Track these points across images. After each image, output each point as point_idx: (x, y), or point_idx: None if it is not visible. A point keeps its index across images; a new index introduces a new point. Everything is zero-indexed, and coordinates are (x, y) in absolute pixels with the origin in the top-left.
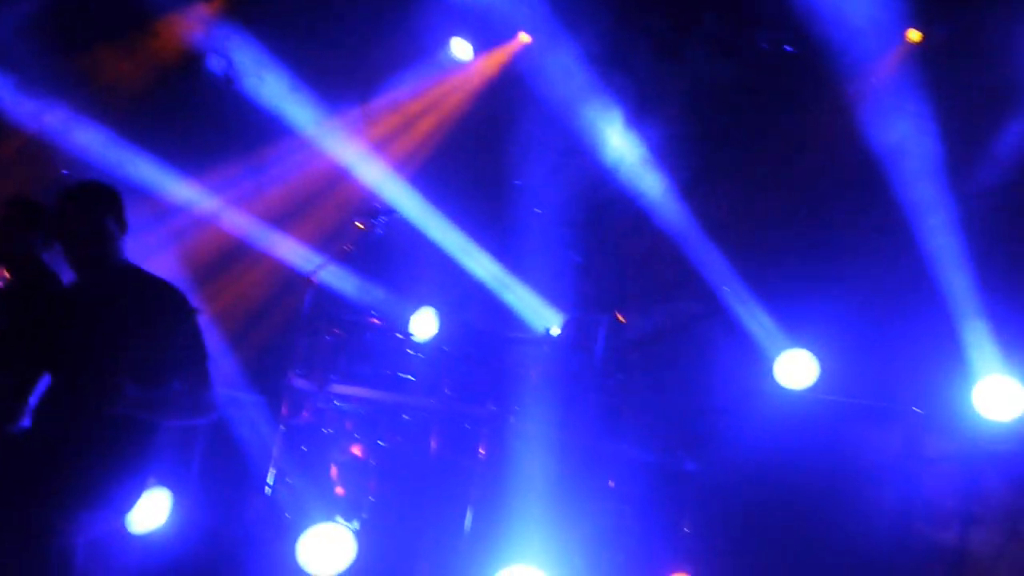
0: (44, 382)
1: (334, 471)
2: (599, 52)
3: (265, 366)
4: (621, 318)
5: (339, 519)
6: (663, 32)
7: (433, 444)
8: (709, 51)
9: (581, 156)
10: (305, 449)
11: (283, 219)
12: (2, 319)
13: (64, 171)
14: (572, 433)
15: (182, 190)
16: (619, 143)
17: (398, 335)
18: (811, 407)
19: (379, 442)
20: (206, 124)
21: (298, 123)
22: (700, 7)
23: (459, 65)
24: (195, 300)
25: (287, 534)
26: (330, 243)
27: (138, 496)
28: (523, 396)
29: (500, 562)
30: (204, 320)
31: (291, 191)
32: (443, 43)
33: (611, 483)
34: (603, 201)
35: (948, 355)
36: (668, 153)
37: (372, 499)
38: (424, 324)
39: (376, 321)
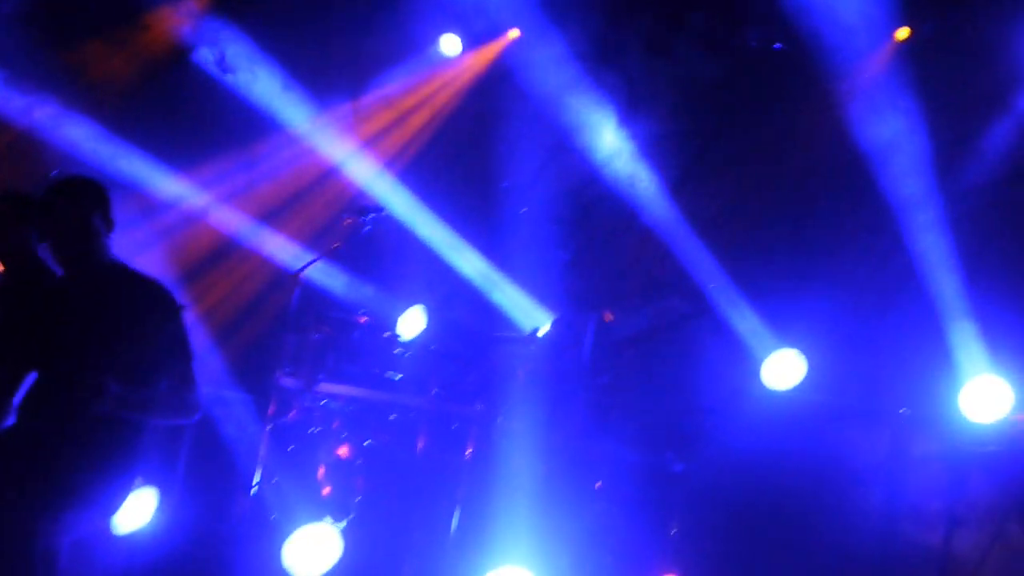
0: (29, 380)
1: (321, 471)
2: (589, 50)
3: (252, 364)
4: (609, 317)
5: (326, 519)
6: (653, 30)
7: (420, 444)
8: (699, 49)
9: (570, 153)
10: (292, 448)
11: (271, 216)
12: None
13: (54, 170)
14: (560, 433)
15: (170, 186)
16: (609, 141)
17: (386, 333)
18: (798, 408)
19: (366, 442)
20: (195, 119)
21: (288, 119)
22: (690, 5)
23: (449, 62)
24: (182, 297)
25: (274, 534)
26: (318, 240)
27: (124, 496)
28: (511, 396)
29: (487, 563)
30: (191, 317)
31: (280, 187)
32: (434, 39)
33: (599, 484)
34: (592, 199)
35: (935, 355)
36: (657, 151)
37: (359, 499)
38: (412, 322)
39: (364, 319)
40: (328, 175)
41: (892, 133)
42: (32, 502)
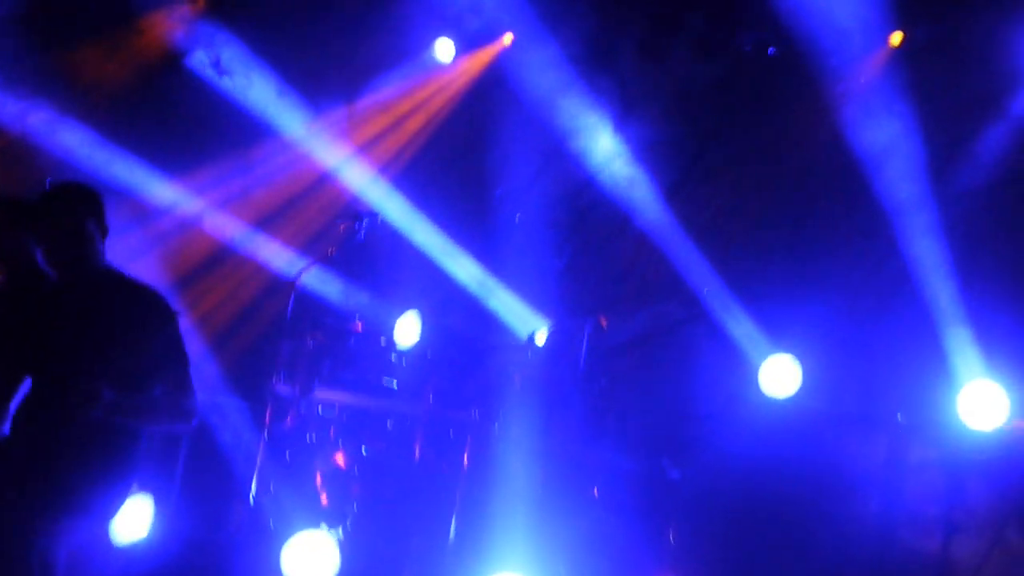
0: (25, 386)
1: (318, 478)
2: (583, 54)
3: (248, 371)
4: (604, 322)
5: (323, 526)
6: (647, 34)
7: (417, 450)
8: (693, 53)
9: (565, 158)
10: (288, 456)
11: (266, 221)
12: None
13: (48, 176)
14: (556, 439)
15: (165, 191)
16: (603, 145)
17: (382, 340)
18: (794, 414)
19: (363, 449)
20: (189, 124)
21: (282, 124)
22: (684, 9)
23: (443, 67)
24: (177, 303)
25: (271, 542)
26: (313, 246)
27: (120, 503)
28: (507, 402)
29: (485, 569)
30: (186, 324)
31: (275, 193)
32: (428, 44)
33: (595, 490)
34: (587, 203)
35: (932, 360)
36: (652, 155)
37: (356, 506)
38: (408, 329)
39: (360, 326)
40: (323, 181)
41: (887, 137)
42: (28, 509)
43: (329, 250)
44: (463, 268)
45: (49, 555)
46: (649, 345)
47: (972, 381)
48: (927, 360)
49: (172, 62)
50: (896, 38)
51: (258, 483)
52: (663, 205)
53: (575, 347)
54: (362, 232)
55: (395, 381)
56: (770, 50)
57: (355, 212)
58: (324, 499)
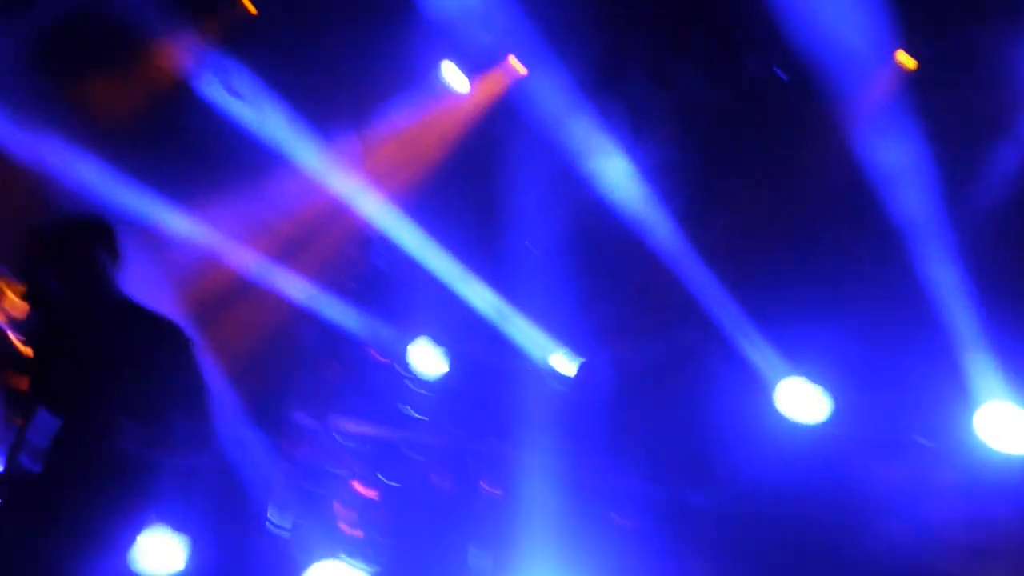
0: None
1: (337, 508)
2: (592, 79)
3: (266, 402)
4: (621, 349)
5: (342, 556)
6: (656, 59)
7: (436, 480)
8: (702, 78)
9: (576, 184)
10: (307, 486)
11: (281, 251)
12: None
13: (60, 207)
14: (577, 468)
15: (178, 222)
16: (615, 169)
17: (399, 369)
18: (815, 438)
19: (381, 478)
20: (202, 153)
21: (295, 153)
22: (691, 34)
23: (453, 93)
24: (191, 333)
25: (291, 572)
26: (330, 276)
27: (136, 533)
28: (528, 431)
29: None
30: (203, 355)
31: (289, 222)
32: (436, 70)
33: (617, 519)
34: (599, 227)
35: (952, 384)
36: (663, 178)
37: (375, 536)
38: (427, 359)
39: (377, 355)
40: (336, 209)
41: (899, 159)
42: (45, 540)
43: (345, 279)
44: (479, 295)
45: None
46: (668, 370)
47: (993, 403)
48: (948, 384)
49: (183, 91)
50: (910, 62)
51: (278, 513)
52: (676, 228)
53: (594, 375)
54: (378, 260)
55: (414, 410)
56: (779, 73)
57: (370, 240)
58: (343, 528)
